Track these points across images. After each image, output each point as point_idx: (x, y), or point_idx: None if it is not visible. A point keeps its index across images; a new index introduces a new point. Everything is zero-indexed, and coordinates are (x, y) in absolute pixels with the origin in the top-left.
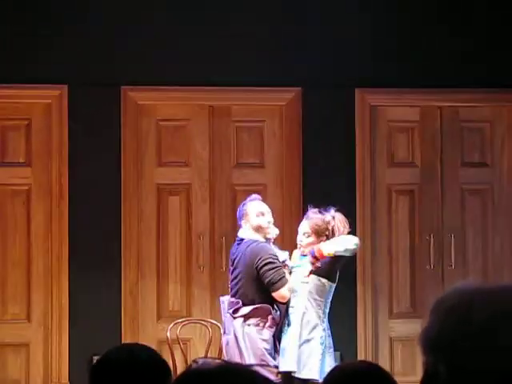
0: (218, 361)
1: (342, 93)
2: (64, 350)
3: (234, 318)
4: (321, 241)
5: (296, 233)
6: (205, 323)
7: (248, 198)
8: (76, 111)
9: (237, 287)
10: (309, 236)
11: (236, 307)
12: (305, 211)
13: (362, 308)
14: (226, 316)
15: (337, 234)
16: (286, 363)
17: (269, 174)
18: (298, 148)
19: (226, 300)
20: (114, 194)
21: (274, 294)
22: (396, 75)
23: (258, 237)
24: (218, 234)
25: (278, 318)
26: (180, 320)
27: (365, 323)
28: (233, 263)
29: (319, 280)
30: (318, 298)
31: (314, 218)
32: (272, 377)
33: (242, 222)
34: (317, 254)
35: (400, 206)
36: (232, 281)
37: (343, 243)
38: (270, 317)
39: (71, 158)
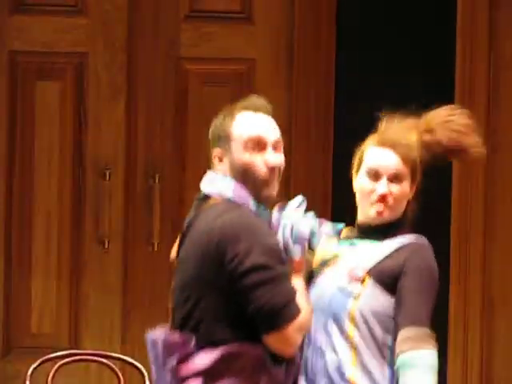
0: None
1: None
2: None
3: (182, 380)
4: (415, 186)
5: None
6: (110, 363)
7: (236, 104)
8: None
9: (184, 310)
10: (401, 181)
11: (184, 352)
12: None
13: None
14: (161, 370)
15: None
16: None
17: (261, 37)
18: None
19: (160, 339)
20: None
21: (271, 339)
22: None
23: (242, 192)
24: (145, 168)
25: (283, 373)
26: (54, 355)
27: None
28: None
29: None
30: (379, 330)
31: (397, 132)
32: None
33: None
34: None
35: None
36: (173, 296)
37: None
38: (263, 377)
39: None
